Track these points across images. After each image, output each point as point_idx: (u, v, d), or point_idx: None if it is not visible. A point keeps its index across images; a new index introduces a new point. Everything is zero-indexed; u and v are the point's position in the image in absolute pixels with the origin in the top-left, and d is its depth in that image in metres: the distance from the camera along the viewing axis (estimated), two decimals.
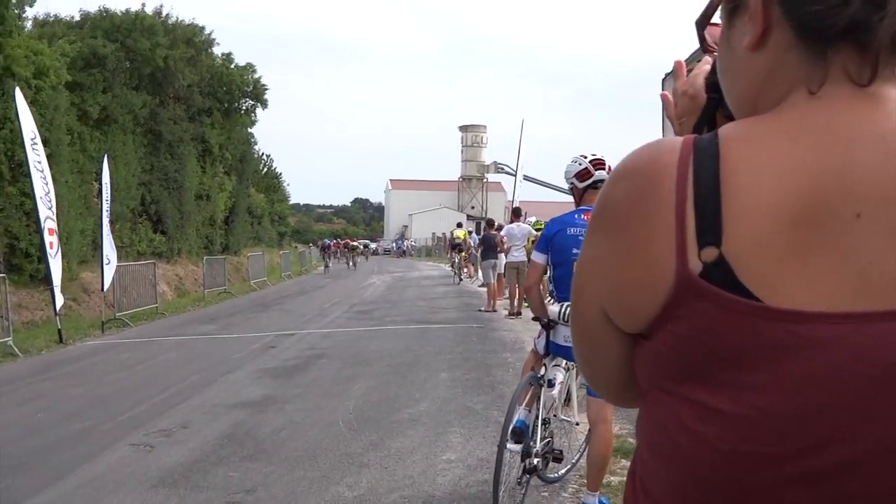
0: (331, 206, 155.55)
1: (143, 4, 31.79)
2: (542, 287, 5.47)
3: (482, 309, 18.75)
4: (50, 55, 21.68)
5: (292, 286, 31.44)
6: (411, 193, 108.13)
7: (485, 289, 23.75)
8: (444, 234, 61.96)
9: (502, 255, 18.57)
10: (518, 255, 17.25)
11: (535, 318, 5.24)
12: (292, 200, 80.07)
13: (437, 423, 7.75)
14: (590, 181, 5.11)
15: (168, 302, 24.61)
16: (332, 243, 61.51)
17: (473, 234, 29.95)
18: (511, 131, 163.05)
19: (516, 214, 19.07)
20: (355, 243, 63.83)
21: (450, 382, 9.85)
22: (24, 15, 21.61)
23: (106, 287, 18.37)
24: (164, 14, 33.24)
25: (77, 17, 30.97)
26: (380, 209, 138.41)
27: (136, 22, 30.28)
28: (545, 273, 5.23)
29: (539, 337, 5.26)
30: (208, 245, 36.23)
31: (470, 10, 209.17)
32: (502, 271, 19.82)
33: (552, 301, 5.24)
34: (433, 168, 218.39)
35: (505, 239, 17.67)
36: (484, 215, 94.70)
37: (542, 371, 5.22)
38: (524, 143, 41.81)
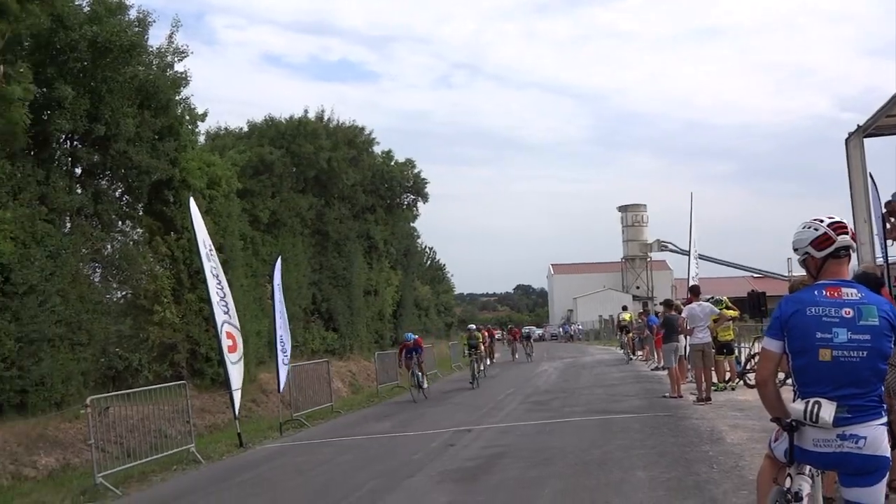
0: (494, 294, 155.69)
1: (306, 110, 33.00)
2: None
3: (667, 395, 17.54)
4: (221, 165, 22.58)
5: (462, 378, 30.93)
6: (574, 277, 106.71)
7: (664, 373, 22.52)
8: (610, 316, 60.33)
9: (680, 336, 17.48)
10: (703, 336, 16.10)
11: (774, 420, 4.38)
12: (457, 290, 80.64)
13: None
14: (831, 249, 4.26)
15: (343, 399, 24.59)
16: (484, 331, 35.48)
17: (651, 316, 28.44)
18: (672, 208, 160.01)
19: (694, 293, 17.93)
20: (526, 329, 53.54)
21: (649, 483, 8.89)
22: (196, 130, 22.67)
23: (282, 387, 18.42)
24: (325, 118, 34.42)
25: (245, 128, 32.49)
26: (543, 294, 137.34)
27: (300, 127, 31.45)
28: (779, 363, 4.38)
29: (778, 441, 4.39)
30: (379, 339, 36.54)
31: (623, 91, 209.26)
32: (684, 354, 18.60)
33: (794, 397, 4.35)
34: (594, 250, 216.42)
35: (686, 320, 16.57)
36: (650, 295, 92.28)
37: (788, 483, 4.32)
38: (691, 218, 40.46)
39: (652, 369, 26.24)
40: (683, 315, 16.91)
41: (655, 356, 26.66)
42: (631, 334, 34.45)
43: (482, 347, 28.27)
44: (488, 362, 32.35)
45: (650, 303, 69.30)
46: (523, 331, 48.23)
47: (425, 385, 22.64)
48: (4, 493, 12.21)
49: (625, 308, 38.39)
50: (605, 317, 74.60)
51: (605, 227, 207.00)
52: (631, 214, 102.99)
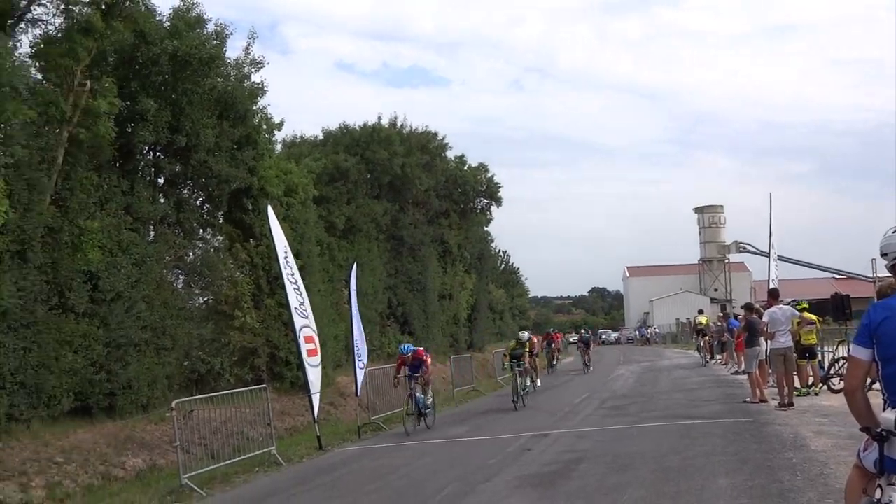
0: (569, 297, 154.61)
1: (379, 117, 33.35)
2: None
3: (748, 400, 17.18)
4: (298, 173, 22.96)
5: (506, 395, 30.75)
6: (650, 280, 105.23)
7: (744, 377, 22.07)
8: (687, 319, 59.35)
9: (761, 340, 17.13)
10: (784, 340, 15.76)
11: (863, 429, 4.27)
12: (531, 294, 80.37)
13: None
14: None
15: None
16: (557, 335, 39.80)
17: (732, 320, 27.68)
18: (751, 209, 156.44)
19: (773, 296, 17.50)
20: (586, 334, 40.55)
21: (731, 491, 8.74)
22: (273, 139, 23.11)
23: (359, 391, 18.63)
24: (398, 124, 34.72)
25: (320, 136, 32.97)
26: (618, 297, 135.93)
27: (374, 134, 31.80)
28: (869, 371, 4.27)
29: (867, 451, 4.27)
30: (454, 343, 36.69)
31: (698, 91, 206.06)
32: (764, 358, 18.23)
33: (884, 406, 4.23)
34: (670, 252, 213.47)
35: (767, 324, 16.22)
36: (728, 297, 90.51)
37: (878, 494, 4.20)
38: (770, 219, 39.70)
39: (732, 373, 25.77)
40: (764, 319, 16.57)
41: (735, 360, 26.18)
42: (707, 337, 34.09)
43: (528, 359, 22.80)
44: (537, 379, 26.21)
45: (728, 306, 68.00)
46: (584, 336, 38.13)
47: (430, 410, 17.56)
48: (95, 492, 12.63)
49: (701, 312, 38.11)
50: (682, 320, 73.47)
51: (681, 229, 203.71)
52: (708, 216, 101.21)
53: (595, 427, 15.64)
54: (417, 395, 16.88)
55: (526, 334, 23.37)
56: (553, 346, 38.03)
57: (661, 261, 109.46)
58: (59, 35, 15.30)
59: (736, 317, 27.52)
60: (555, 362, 36.92)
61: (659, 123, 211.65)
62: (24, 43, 15.23)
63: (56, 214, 14.31)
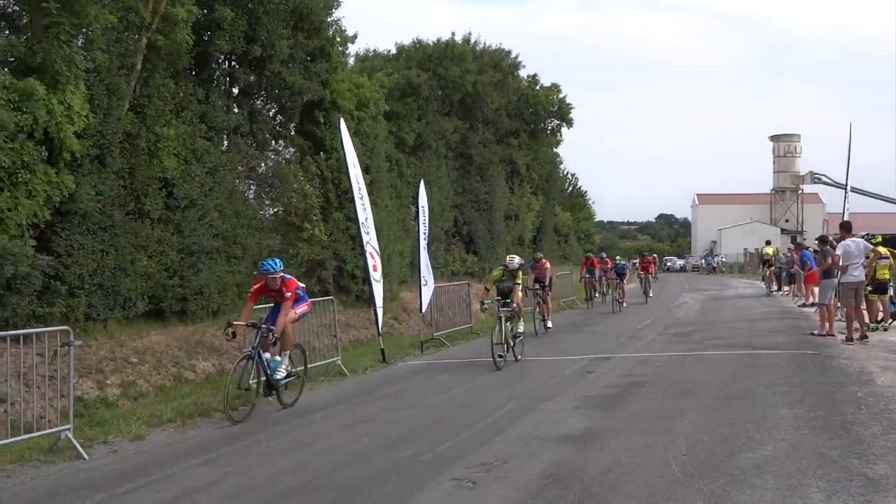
0: (635, 223, 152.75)
1: (453, 33, 32.91)
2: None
3: (815, 333, 16.97)
4: (370, 87, 22.90)
5: (601, 305, 30.75)
6: (719, 208, 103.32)
7: (811, 310, 21.77)
8: (756, 249, 58.41)
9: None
10: (857, 273, 15.47)
11: None
12: (597, 218, 79.66)
13: (789, 473, 6.74)
14: None
15: (481, 321, 24.91)
16: (595, 260, 31.87)
17: (806, 251, 26.65)
18: (828, 139, 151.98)
19: (846, 229, 17.03)
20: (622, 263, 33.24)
21: (793, 421, 8.72)
22: (346, 52, 23.01)
23: (424, 308, 18.86)
24: (472, 41, 34.24)
25: (393, 50, 32.72)
26: (685, 225, 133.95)
27: (447, 50, 31.44)
28: None
29: None
30: None
31: (782, 15, 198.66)
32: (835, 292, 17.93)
33: None
34: (742, 181, 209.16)
35: (840, 257, 15.87)
36: (799, 229, 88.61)
37: None
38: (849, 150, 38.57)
39: (799, 306, 25.43)
40: (837, 252, 16.22)
41: (804, 292, 25.78)
42: (773, 268, 33.75)
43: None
44: (549, 318, 21.55)
45: (799, 237, 66.60)
46: (616, 263, 31.44)
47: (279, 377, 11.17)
48: (167, 392, 13.10)
49: (768, 242, 37.76)
50: (751, 250, 72.25)
51: (754, 158, 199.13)
52: (783, 144, 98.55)
53: (657, 353, 15.67)
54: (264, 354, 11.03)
55: (517, 260, 16.30)
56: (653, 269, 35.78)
57: (731, 189, 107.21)
58: None
59: (807, 248, 26.91)
60: (650, 292, 32.85)
61: (739, 48, 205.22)
62: None
63: (134, 120, 14.51)
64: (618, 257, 30.95)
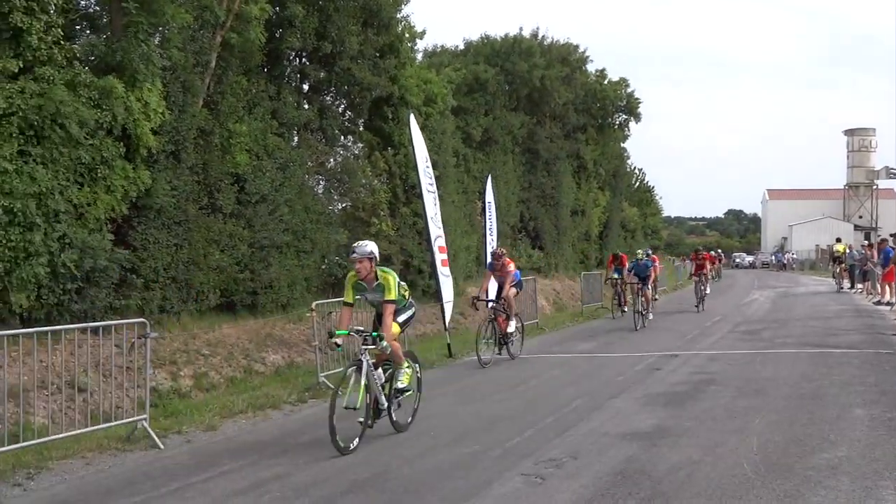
0: (703, 219, 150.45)
1: (521, 28, 32.85)
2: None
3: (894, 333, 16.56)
4: (438, 83, 22.96)
5: (669, 302, 30.40)
6: (790, 203, 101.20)
7: (886, 308, 21.25)
8: (828, 245, 57.19)
9: None
10: None
11: None
12: (664, 213, 78.56)
13: (864, 475, 6.63)
14: None
15: (547, 316, 24.90)
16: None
17: (888, 248, 24.70)
18: None
19: None
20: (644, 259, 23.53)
21: (868, 422, 8.55)
22: (415, 48, 23.11)
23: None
24: (540, 36, 34.06)
25: (461, 46, 32.74)
26: (755, 220, 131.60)
27: (515, 45, 31.32)
28: None
29: None
30: (584, 260, 36.54)
31: (857, 11, 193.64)
32: None
33: None
34: (813, 176, 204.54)
35: None
36: (873, 225, 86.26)
37: None
38: None
39: (874, 304, 24.81)
40: None
41: (879, 290, 25.14)
42: (843, 265, 33.71)
43: (510, 292, 15.10)
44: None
45: (873, 234, 64.89)
46: (641, 263, 22.37)
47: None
48: (237, 384, 13.37)
49: (839, 239, 37.85)
50: (823, 246, 70.63)
51: (827, 153, 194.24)
52: (858, 139, 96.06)
53: (727, 351, 15.47)
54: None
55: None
56: (710, 267, 32.62)
57: (803, 184, 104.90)
58: None
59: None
60: (708, 290, 28.28)
61: (813, 42, 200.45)
62: None
63: (208, 117, 14.82)
64: (639, 251, 23.44)
